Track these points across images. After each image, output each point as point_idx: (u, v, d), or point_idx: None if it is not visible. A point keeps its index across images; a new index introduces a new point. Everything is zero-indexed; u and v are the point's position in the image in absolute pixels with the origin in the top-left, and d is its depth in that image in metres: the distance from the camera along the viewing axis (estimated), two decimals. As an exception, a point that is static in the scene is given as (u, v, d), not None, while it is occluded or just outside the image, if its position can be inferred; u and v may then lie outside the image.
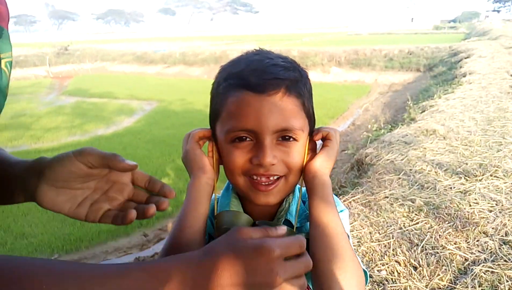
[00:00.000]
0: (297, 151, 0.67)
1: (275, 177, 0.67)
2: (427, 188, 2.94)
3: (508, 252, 2.15)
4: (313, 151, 0.72)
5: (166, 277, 0.45)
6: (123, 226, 3.05)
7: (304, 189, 0.76)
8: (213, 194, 0.72)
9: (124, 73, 21.06)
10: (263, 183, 0.66)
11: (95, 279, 0.43)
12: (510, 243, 2.23)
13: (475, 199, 2.70)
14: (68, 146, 7.29)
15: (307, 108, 0.69)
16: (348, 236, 0.78)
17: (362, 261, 2.18)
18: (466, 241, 2.29)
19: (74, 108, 11.65)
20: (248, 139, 0.65)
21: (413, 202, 2.73)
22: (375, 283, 2.01)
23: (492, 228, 2.38)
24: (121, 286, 0.43)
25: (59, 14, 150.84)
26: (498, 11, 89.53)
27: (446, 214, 2.54)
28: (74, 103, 12.49)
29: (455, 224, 2.43)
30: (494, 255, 2.14)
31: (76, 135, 8.66)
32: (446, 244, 2.25)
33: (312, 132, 0.72)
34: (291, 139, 0.66)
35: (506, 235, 2.31)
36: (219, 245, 0.49)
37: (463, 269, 2.08)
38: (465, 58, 11.44)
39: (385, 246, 2.30)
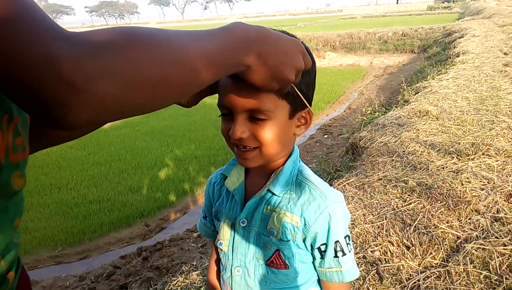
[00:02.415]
0: (268, 128, 0.73)
1: (248, 148, 0.75)
2: (420, 169, 2.96)
3: (499, 229, 2.18)
4: (304, 124, 0.81)
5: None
6: (124, 217, 3.07)
7: (300, 164, 0.84)
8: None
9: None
10: (241, 149, 0.76)
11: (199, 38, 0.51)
12: (501, 220, 2.26)
13: (467, 178, 2.72)
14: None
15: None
16: (348, 237, 0.81)
17: (356, 243, 2.22)
18: (458, 219, 2.31)
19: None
20: (229, 114, 0.75)
21: (406, 183, 2.75)
22: (369, 263, 2.04)
23: (484, 206, 2.40)
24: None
25: (53, 8, 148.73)
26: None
27: (439, 193, 2.56)
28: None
29: (447, 203, 2.45)
30: (486, 233, 2.17)
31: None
32: (438, 223, 2.28)
33: (298, 108, 0.77)
34: (261, 118, 0.73)
35: (497, 212, 2.34)
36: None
37: (455, 247, 2.11)
38: (459, 38, 11.39)
39: (378, 227, 2.33)
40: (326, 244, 0.79)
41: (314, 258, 0.82)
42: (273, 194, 0.80)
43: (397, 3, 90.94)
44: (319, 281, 0.86)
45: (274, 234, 0.80)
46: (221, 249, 0.88)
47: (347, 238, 0.80)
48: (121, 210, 4.57)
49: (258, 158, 0.76)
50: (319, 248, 0.80)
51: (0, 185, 0.49)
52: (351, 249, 0.81)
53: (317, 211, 0.77)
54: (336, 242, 0.78)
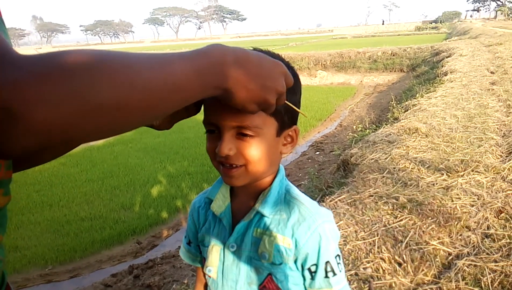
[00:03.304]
0: (255, 145, 0.73)
1: (234, 165, 0.74)
2: (410, 185, 2.99)
3: (490, 245, 2.20)
4: (290, 143, 0.80)
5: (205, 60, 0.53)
6: (116, 234, 3.04)
7: (286, 183, 0.83)
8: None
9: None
10: (227, 167, 0.74)
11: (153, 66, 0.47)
12: (492, 236, 2.29)
13: (457, 195, 2.76)
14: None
15: None
16: (339, 256, 0.80)
17: (347, 260, 2.22)
18: (449, 236, 2.34)
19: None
20: (216, 131, 0.73)
21: (397, 200, 2.78)
22: (361, 280, 2.04)
23: (474, 222, 2.43)
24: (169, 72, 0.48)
25: (48, 26, 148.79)
26: (478, 11, 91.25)
27: (429, 210, 2.59)
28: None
29: (438, 220, 2.48)
30: (477, 249, 2.19)
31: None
32: (429, 239, 2.30)
33: (285, 126, 0.77)
34: (248, 135, 0.72)
35: (488, 228, 2.37)
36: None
37: (446, 263, 2.13)
38: (447, 57, 11.64)
39: (370, 244, 2.34)
40: (316, 265, 0.77)
41: (304, 279, 0.80)
42: (263, 215, 0.79)
43: (383, 23, 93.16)
44: None
45: (266, 258, 0.78)
46: (209, 276, 0.85)
47: (337, 257, 0.79)
48: (113, 228, 4.52)
49: (244, 176, 0.75)
50: (309, 269, 0.78)
51: None
52: (341, 268, 0.80)
53: (308, 231, 0.76)
54: (327, 262, 0.77)
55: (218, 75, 0.53)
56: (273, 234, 0.77)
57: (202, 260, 0.90)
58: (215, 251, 0.84)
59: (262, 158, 0.74)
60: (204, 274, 0.89)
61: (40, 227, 4.63)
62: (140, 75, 0.44)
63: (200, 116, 0.77)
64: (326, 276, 0.77)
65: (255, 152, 0.73)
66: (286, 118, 0.76)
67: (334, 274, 0.78)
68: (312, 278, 0.78)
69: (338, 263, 0.79)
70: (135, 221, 4.64)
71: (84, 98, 0.38)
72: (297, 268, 0.79)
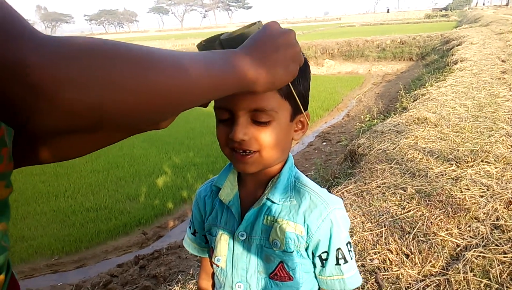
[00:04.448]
0: (270, 130, 0.71)
1: (248, 151, 0.72)
2: (419, 176, 2.94)
3: (499, 237, 2.16)
4: (301, 129, 0.79)
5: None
6: (122, 225, 3.05)
7: (295, 171, 0.82)
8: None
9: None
10: (240, 153, 0.72)
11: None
12: (501, 228, 2.24)
13: (466, 185, 2.71)
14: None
15: (285, 91, 0.71)
16: (349, 243, 0.79)
17: (354, 251, 2.19)
18: (457, 227, 2.29)
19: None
20: (229, 118, 0.72)
21: (404, 191, 2.74)
22: (367, 272, 2.02)
23: (484, 213, 2.39)
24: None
25: (52, 16, 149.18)
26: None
27: (438, 201, 2.54)
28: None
29: (446, 211, 2.43)
30: (486, 240, 2.15)
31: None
32: (437, 231, 2.26)
33: (298, 111, 0.76)
34: (263, 121, 0.70)
35: (497, 219, 2.32)
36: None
37: (455, 255, 2.09)
38: (457, 45, 11.45)
39: (377, 235, 2.30)
40: (327, 252, 0.77)
41: (314, 266, 0.79)
42: (273, 202, 0.78)
43: (388, 12, 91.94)
44: (319, 289, 0.83)
45: (278, 246, 0.77)
46: (218, 266, 0.84)
47: (348, 245, 0.78)
48: (118, 218, 4.54)
49: (258, 163, 0.74)
50: (320, 256, 0.77)
51: None
52: (352, 256, 0.79)
53: (319, 218, 0.76)
54: (338, 249, 0.77)
55: (242, 81, 0.55)
56: (284, 221, 0.77)
57: (210, 250, 0.89)
58: (224, 240, 0.82)
59: (276, 144, 0.73)
60: (212, 263, 0.88)
61: (46, 217, 4.66)
62: (186, 71, 0.47)
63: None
64: (338, 263, 0.77)
65: (270, 137, 0.72)
66: (299, 103, 0.74)
67: (346, 261, 0.77)
68: (323, 265, 0.78)
69: (349, 251, 0.78)
70: (140, 212, 4.65)
71: (119, 78, 0.39)
72: (308, 256, 0.78)
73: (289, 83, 0.67)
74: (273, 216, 0.78)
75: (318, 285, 0.82)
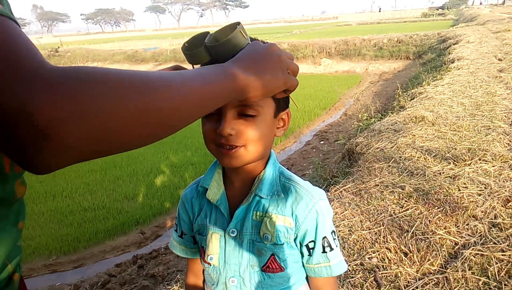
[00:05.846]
0: (256, 125, 0.74)
1: (234, 146, 0.74)
2: (417, 174, 2.95)
3: (497, 235, 2.17)
4: (283, 126, 0.82)
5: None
6: (120, 224, 3.03)
7: (278, 166, 0.85)
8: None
9: (114, 72, 20.83)
10: (226, 147, 0.74)
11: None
12: (499, 226, 2.25)
13: (464, 184, 2.71)
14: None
15: None
16: (334, 232, 0.84)
17: (353, 250, 2.20)
18: (455, 225, 2.30)
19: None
20: (215, 113, 0.73)
21: (403, 189, 2.74)
22: (366, 270, 2.02)
23: (481, 212, 2.40)
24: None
25: (48, 15, 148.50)
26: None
27: (436, 199, 2.55)
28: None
29: (444, 209, 2.44)
30: (484, 238, 2.16)
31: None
32: (436, 229, 2.26)
33: (281, 108, 0.79)
34: (249, 115, 0.73)
35: (495, 217, 2.33)
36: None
37: (453, 253, 2.10)
38: (454, 44, 11.48)
39: (375, 233, 2.31)
40: (314, 241, 0.81)
41: (302, 256, 0.83)
42: (261, 198, 0.81)
43: (379, 11, 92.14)
44: (307, 277, 0.87)
45: (269, 239, 0.80)
46: (211, 264, 0.87)
47: (333, 233, 0.83)
48: (116, 218, 4.53)
49: (243, 157, 0.76)
50: (307, 245, 0.82)
51: (6, 194, 0.50)
52: (337, 244, 0.84)
53: (306, 209, 0.79)
54: (324, 238, 0.81)
55: (235, 92, 0.59)
56: (273, 215, 0.80)
57: (200, 250, 0.90)
58: (215, 239, 0.85)
59: (261, 138, 0.76)
60: (204, 262, 0.90)
61: (44, 217, 4.64)
62: (178, 91, 0.49)
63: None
64: (324, 251, 0.81)
65: (255, 131, 0.74)
66: (281, 101, 0.78)
67: (331, 249, 0.82)
68: (310, 254, 0.82)
69: (334, 239, 0.83)
70: (138, 211, 4.64)
71: (120, 110, 0.40)
72: (296, 246, 0.83)
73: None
74: (262, 211, 0.81)
75: (306, 273, 0.86)
